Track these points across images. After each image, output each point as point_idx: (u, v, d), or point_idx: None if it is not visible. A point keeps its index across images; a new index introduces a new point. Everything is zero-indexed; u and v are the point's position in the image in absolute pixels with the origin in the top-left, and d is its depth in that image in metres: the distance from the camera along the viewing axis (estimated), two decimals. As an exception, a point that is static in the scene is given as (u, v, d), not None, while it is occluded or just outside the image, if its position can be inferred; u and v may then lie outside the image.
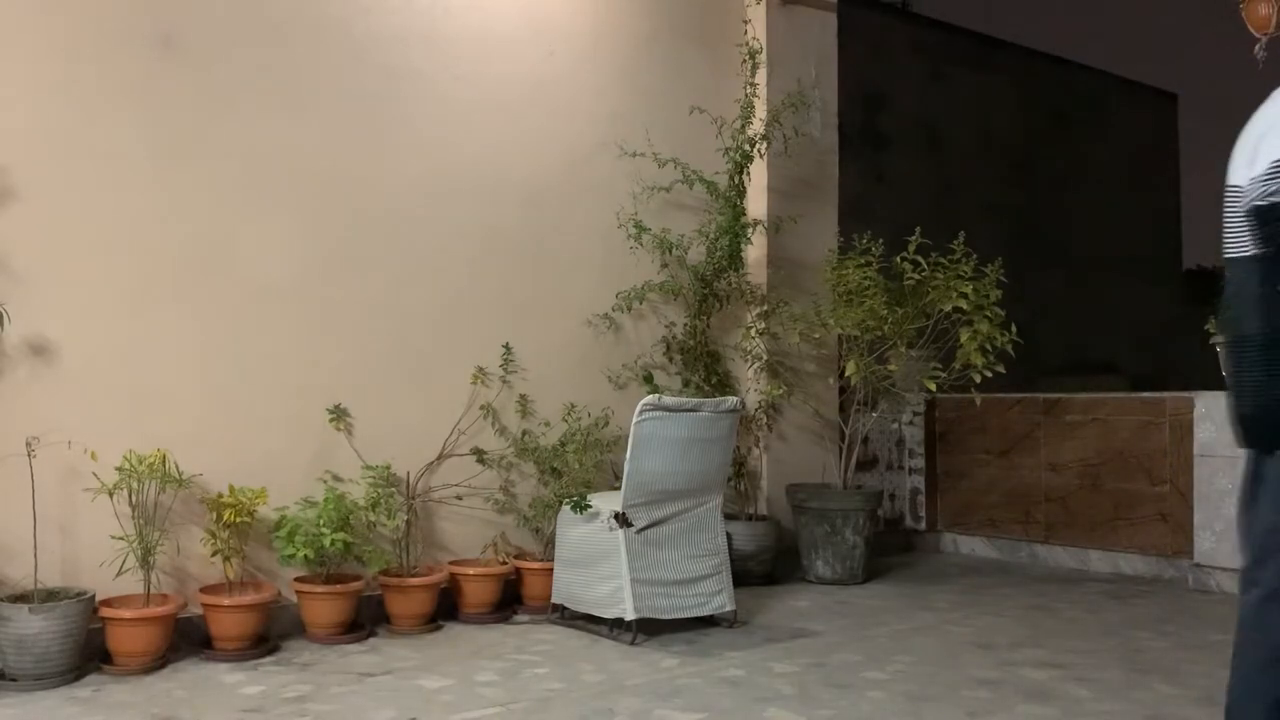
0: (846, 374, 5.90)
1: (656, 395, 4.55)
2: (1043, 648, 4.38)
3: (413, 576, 4.69)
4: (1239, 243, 2.28)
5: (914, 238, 5.65)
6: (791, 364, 6.23)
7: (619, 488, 4.55)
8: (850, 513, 5.75)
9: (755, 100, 5.89)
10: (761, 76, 6.09)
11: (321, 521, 4.37)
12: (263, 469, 4.46)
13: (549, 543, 5.04)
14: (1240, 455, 2.52)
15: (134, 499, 4.08)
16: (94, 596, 3.96)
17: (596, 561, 4.55)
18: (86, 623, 3.88)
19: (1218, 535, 5.47)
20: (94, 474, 4.02)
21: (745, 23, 6.14)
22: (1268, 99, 2.28)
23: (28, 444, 3.88)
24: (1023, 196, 9.77)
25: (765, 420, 6.17)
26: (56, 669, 3.77)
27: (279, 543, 4.36)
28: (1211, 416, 5.50)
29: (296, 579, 4.48)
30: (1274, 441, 2.24)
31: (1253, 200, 2.21)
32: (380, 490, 4.66)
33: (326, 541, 4.33)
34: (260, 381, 4.60)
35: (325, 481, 4.65)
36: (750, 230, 5.86)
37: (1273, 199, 2.17)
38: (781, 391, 6.03)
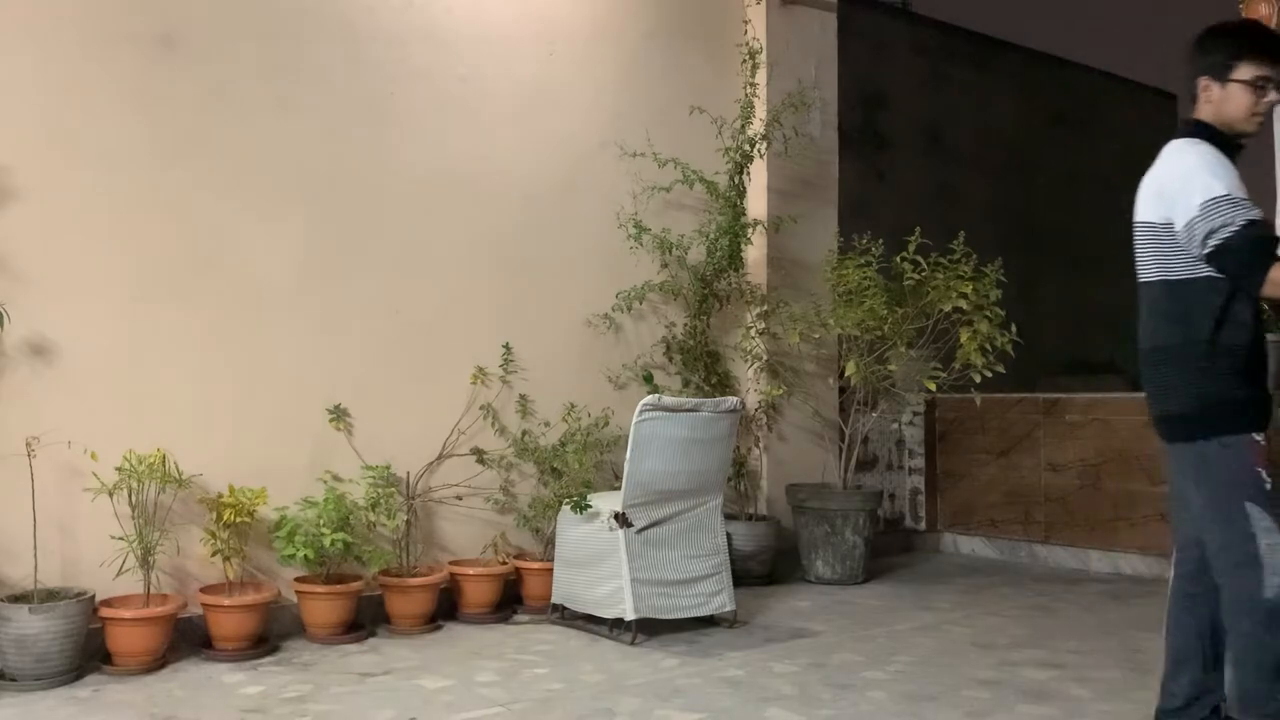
0: (846, 374, 5.90)
1: (656, 395, 4.55)
2: (1043, 648, 4.38)
3: (413, 576, 4.69)
4: (1149, 269, 2.91)
5: (914, 238, 5.65)
6: (791, 364, 6.23)
7: (619, 488, 4.55)
8: (850, 513, 5.75)
9: (755, 100, 5.90)
10: (761, 76, 6.09)
11: (321, 521, 4.38)
12: (263, 469, 4.46)
13: (549, 543, 5.04)
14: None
15: (134, 499, 4.08)
16: (94, 596, 3.96)
17: (596, 561, 4.55)
18: (86, 623, 3.88)
19: (1218, 535, 5.45)
20: (94, 474, 4.02)
21: (745, 23, 6.14)
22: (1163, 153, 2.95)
23: (28, 444, 3.88)
24: (1023, 196, 9.74)
25: (765, 420, 6.17)
26: (56, 669, 3.77)
27: (279, 543, 4.36)
28: (1211, 416, 5.49)
29: (296, 579, 4.48)
30: (1193, 434, 2.76)
31: (1195, 234, 2.71)
32: (380, 490, 4.66)
33: (326, 541, 4.33)
34: (260, 381, 4.60)
35: (325, 481, 4.65)
36: (750, 230, 5.87)
37: (1211, 241, 2.67)
38: (781, 391, 6.03)
